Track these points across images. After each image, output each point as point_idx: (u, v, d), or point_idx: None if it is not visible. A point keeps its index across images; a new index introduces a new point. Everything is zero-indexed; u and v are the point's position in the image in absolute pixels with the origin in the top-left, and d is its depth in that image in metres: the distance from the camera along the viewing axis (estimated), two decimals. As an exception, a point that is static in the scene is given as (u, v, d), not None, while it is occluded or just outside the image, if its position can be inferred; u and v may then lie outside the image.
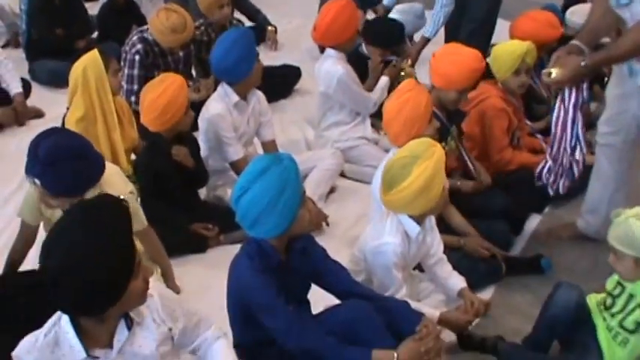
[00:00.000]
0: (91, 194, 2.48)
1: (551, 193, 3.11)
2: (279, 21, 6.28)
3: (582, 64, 2.75)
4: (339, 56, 3.97)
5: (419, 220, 2.55)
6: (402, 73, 4.22)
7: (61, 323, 1.81)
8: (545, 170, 3.06)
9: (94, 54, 3.29)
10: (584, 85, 2.86)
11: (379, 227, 2.59)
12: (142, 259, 1.77)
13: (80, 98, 3.26)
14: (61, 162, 2.37)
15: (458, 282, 2.77)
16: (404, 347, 2.20)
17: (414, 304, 2.48)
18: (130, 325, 1.84)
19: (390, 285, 2.54)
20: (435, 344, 2.24)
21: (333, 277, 2.39)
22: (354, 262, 2.67)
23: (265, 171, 2.13)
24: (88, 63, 3.26)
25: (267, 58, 5.09)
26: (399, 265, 2.53)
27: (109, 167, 2.65)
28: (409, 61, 4.55)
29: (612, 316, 2.43)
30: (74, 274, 1.61)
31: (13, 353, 1.84)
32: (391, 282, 2.53)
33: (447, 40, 4.62)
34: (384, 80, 4.13)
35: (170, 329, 1.96)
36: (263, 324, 2.22)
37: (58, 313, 1.83)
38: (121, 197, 1.81)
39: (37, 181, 2.38)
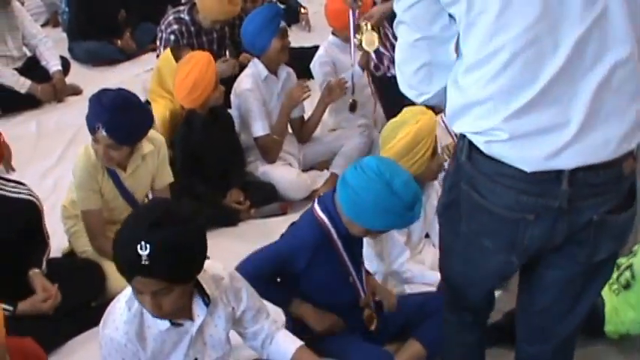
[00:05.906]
0: (145, 145, 2.77)
1: None
2: (311, 2, 6.28)
3: None
4: (332, 41, 3.84)
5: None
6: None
7: None
8: None
9: (166, 54, 3.62)
10: None
11: None
12: None
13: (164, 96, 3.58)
14: (125, 109, 2.58)
15: None
16: None
17: (419, 268, 2.62)
18: (207, 302, 1.88)
19: (392, 248, 2.60)
20: None
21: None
22: None
23: (405, 190, 2.01)
24: (162, 63, 3.61)
25: (300, 39, 5.10)
26: (399, 229, 2.54)
27: None
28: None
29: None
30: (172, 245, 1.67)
31: (103, 332, 1.84)
32: (393, 245, 2.60)
33: None
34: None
35: (233, 309, 2.00)
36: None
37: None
38: None
39: (104, 131, 2.53)
